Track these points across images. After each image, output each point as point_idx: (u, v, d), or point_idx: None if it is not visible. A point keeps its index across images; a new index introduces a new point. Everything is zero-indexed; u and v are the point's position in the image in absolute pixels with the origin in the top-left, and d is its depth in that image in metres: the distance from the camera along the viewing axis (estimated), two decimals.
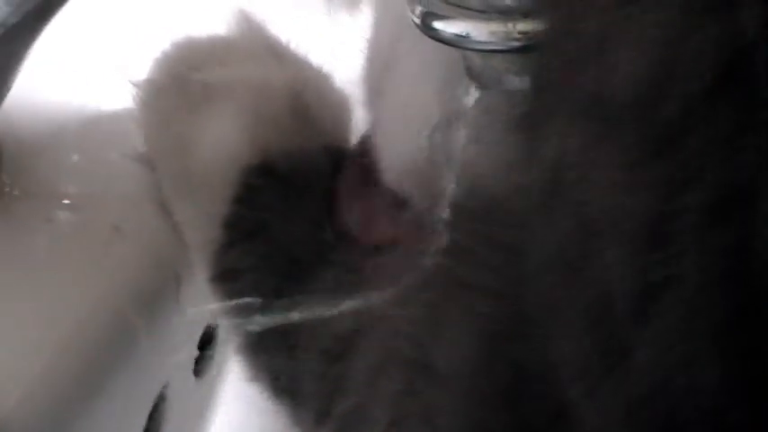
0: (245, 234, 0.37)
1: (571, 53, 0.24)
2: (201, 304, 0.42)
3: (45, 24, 0.39)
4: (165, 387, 0.42)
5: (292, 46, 0.41)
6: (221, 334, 0.44)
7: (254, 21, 0.41)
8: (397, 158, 0.36)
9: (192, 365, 0.45)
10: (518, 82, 0.31)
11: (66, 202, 0.41)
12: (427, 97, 0.34)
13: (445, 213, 0.32)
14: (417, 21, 0.31)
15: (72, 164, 0.43)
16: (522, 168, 0.26)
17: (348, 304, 0.33)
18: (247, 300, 0.35)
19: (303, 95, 0.39)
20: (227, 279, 0.38)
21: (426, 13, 0.31)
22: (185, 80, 0.40)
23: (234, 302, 0.36)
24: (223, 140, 0.38)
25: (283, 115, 0.38)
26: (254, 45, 0.41)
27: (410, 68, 0.36)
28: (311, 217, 0.37)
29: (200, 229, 0.39)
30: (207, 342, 0.45)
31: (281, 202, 0.37)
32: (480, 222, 0.29)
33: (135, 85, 0.41)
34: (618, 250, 0.22)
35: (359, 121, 0.40)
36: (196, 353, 0.45)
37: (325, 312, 0.33)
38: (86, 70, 0.48)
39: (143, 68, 0.41)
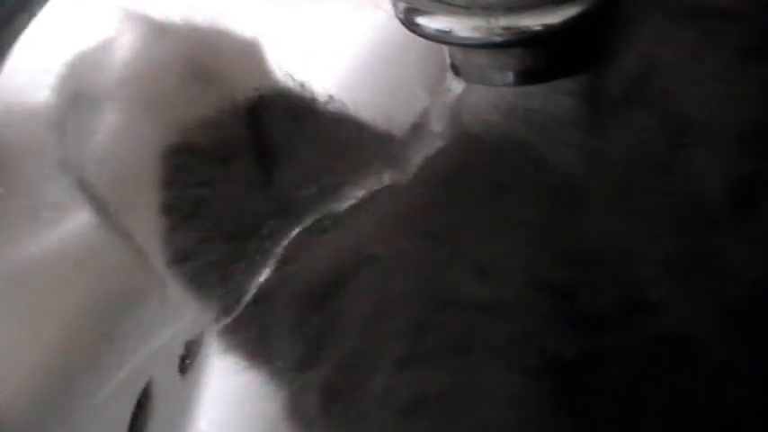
0: (186, 214, 0.37)
1: None
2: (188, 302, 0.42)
3: (30, 20, 0.39)
4: (149, 384, 0.42)
5: (177, 18, 0.40)
6: (208, 331, 0.44)
7: (132, 10, 0.40)
8: None
9: (177, 362, 0.45)
10: (501, 77, 0.31)
11: (51, 201, 0.41)
12: None
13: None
14: (400, 16, 0.31)
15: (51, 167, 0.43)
16: (589, 79, 0.26)
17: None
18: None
19: (200, 59, 0.38)
20: (179, 260, 0.38)
21: (408, 8, 0.31)
22: (85, 94, 0.39)
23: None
24: (129, 131, 0.38)
25: (183, 85, 0.38)
26: (136, 32, 0.40)
27: None
28: (246, 181, 0.37)
29: (142, 220, 0.39)
30: (192, 339, 0.45)
31: (210, 175, 0.37)
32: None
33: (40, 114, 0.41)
34: (714, 157, 0.21)
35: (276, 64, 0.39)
36: (181, 350, 0.45)
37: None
38: None
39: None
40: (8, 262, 0.39)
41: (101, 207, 0.40)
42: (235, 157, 0.37)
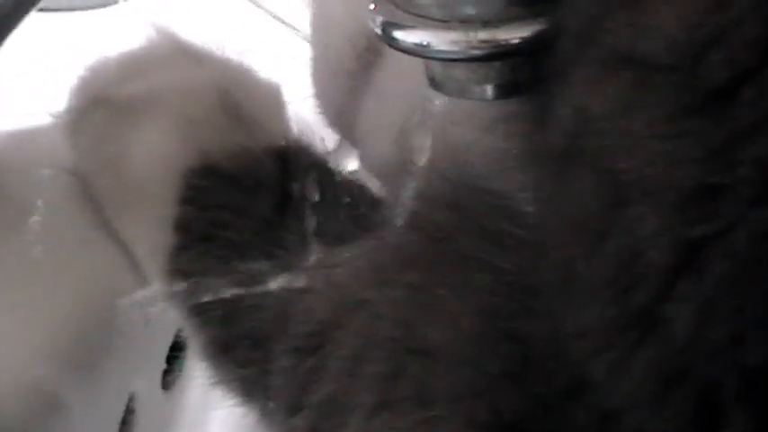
0: (199, 236, 0.37)
1: (599, 5, 0.23)
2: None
3: (27, 12, 0.38)
4: (132, 399, 0.42)
5: (209, 47, 0.41)
6: (190, 345, 0.44)
7: (165, 30, 0.41)
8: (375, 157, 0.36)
9: (159, 377, 0.45)
10: (480, 91, 0.31)
11: (38, 206, 0.41)
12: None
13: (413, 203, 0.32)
14: (378, 30, 0.31)
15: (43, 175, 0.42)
16: (533, 134, 0.25)
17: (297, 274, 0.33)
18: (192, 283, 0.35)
19: (231, 92, 0.39)
20: (181, 280, 0.37)
21: (386, 22, 0.30)
22: (107, 100, 0.39)
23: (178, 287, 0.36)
24: (154, 146, 0.38)
25: (213, 113, 0.38)
26: (169, 52, 0.40)
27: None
28: (264, 217, 0.37)
29: (151, 235, 0.39)
30: (175, 354, 0.45)
31: (232, 201, 0.37)
32: (474, 200, 0.28)
33: (56, 116, 0.40)
34: (656, 220, 0.20)
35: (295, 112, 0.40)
36: (164, 365, 0.44)
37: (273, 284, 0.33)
38: (59, 81, 0.47)
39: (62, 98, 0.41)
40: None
41: (100, 214, 0.40)
42: (262, 189, 0.37)
